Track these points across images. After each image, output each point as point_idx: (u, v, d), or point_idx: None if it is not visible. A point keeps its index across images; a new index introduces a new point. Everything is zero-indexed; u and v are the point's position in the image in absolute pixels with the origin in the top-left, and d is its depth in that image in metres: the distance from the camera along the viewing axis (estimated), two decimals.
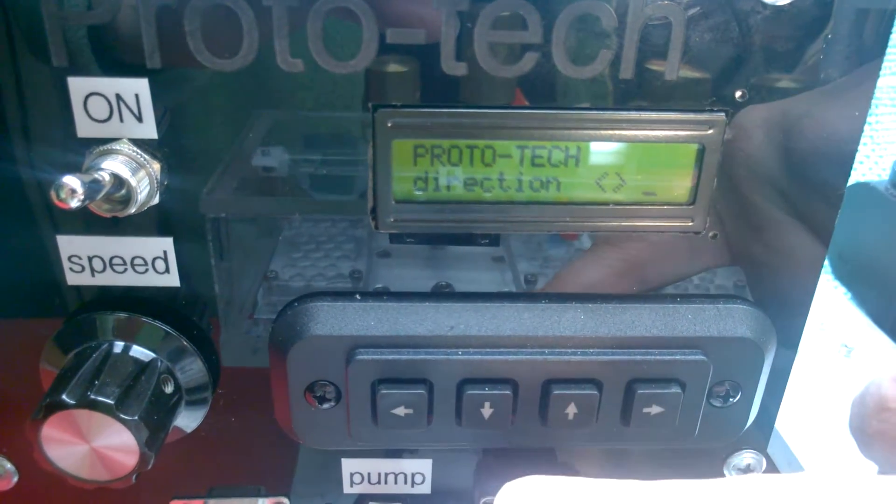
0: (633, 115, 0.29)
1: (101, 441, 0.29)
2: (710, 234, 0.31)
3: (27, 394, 0.33)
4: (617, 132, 0.29)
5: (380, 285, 0.33)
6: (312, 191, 0.31)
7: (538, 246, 0.33)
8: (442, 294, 0.33)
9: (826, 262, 0.73)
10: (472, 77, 0.28)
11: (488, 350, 0.31)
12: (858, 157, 0.71)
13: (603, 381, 0.32)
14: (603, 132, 0.29)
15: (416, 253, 0.32)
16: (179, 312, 0.33)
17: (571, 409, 0.32)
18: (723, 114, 0.29)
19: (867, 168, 0.73)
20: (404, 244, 0.32)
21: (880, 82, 0.68)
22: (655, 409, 0.32)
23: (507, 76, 0.28)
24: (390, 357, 0.31)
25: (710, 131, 0.29)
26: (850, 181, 0.70)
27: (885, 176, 0.71)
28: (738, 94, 0.29)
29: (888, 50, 0.68)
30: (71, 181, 0.25)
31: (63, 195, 0.25)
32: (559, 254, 0.33)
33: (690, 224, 0.31)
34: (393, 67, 0.28)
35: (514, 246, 0.33)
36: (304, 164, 0.30)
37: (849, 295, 0.71)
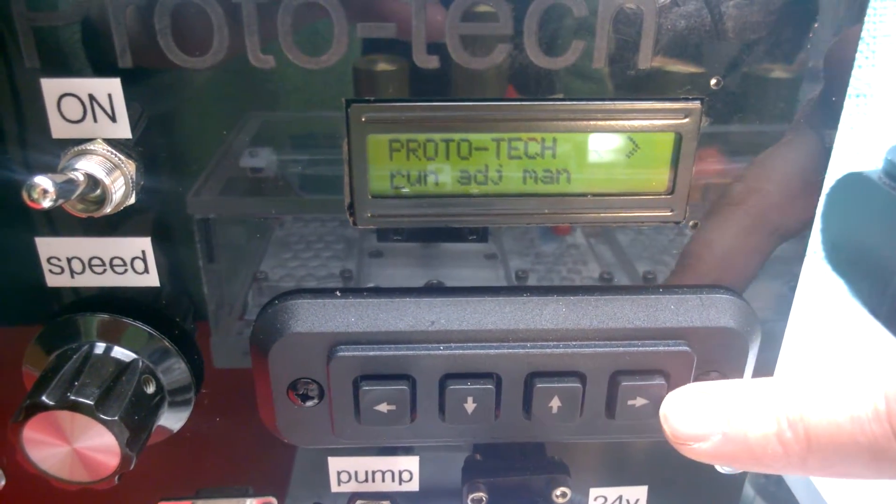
0: (608, 104, 0.29)
1: (82, 442, 0.29)
2: (691, 223, 0.31)
3: (12, 398, 0.33)
4: (592, 122, 0.29)
5: (371, 285, 0.33)
6: (301, 191, 0.31)
7: (530, 242, 0.32)
8: (422, 289, 0.33)
9: (821, 252, 0.72)
10: (445, 70, 0.28)
11: (470, 344, 0.31)
12: (851, 146, 0.71)
13: (586, 373, 0.32)
14: (578, 122, 0.29)
15: (408, 252, 0.32)
16: (162, 313, 0.33)
17: (555, 403, 0.32)
18: (698, 102, 0.29)
19: (860, 157, 0.72)
20: (393, 242, 0.32)
21: (871, 72, 0.68)
22: (640, 401, 0.32)
23: (479, 68, 0.28)
24: (371, 353, 0.31)
25: (686, 120, 0.29)
26: (844, 171, 0.70)
27: (878, 165, 0.70)
28: (713, 81, 0.28)
29: (876, 40, 0.67)
30: (42, 181, 0.24)
31: (35, 195, 0.24)
32: (551, 249, 0.33)
33: (670, 214, 0.31)
34: (369, 64, 0.28)
35: (505, 242, 0.32)
36: (292, 165, 0.30)
37: (844, 284, 0.71)
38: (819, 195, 0.31)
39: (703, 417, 0.27)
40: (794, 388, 0.26)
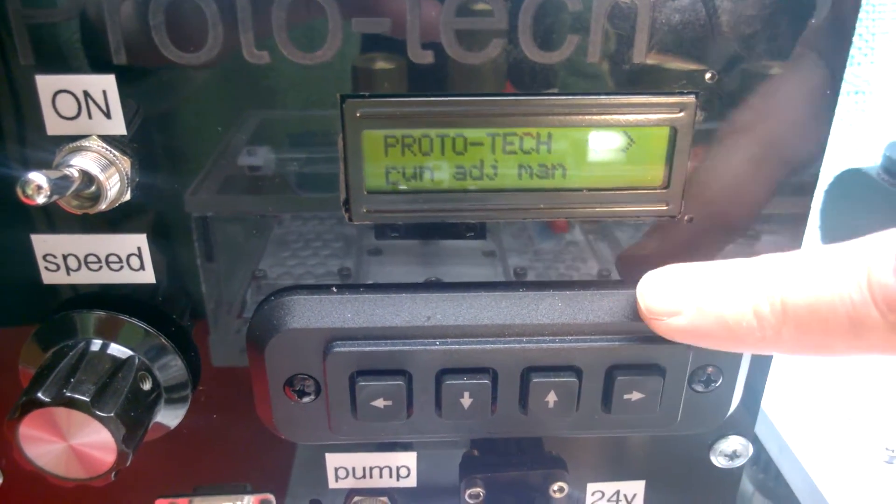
0: (603, 99, 0.29)
1: (78, 439, 0.29)
2: (686, 217, 0.31)
3: (8, 395, 0.33)
4: (587, 117, 0.29)
5: (370, 282, 0.33)
6: (299, 189, 0.31)
7: (528, 239, 0.33)
8: (418, 285, 0.33)
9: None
10: (440, 65, 0.28)
11: (466, 339, 0.31)
12: (850, 143, 0.70)
13: (582, 368, 0.32)
14: (573, 117, 0.29)
15: (407, 250, 0.32)
16: (159, 310, 0.33)
17: (552, 397, 0.32)
18: (693, 96, 0.29)
19: (859, 153, 0.72)
20: (392, 240, 0.32)
21: (870, 69, 0.68)
22: (636, 396, 0.32)
23: (473, 63, 0.28)
24: (367, 349, 0.31)
25: (682, 114, 0.29)
26: (842, 167, 0.70)
27: (876, 161, 0.70)
28: (707, 76, 0.28)
29: (874, 37, 0.67)
30: (37, 177, 0.24)
31: (29, 191, 0.25)
32: (550, 246, 0.33)
33: (665, 208, 0.31)
34: (364, 60, 0.28)
35: (504, 240, 0.32)
36: (290, 163, 0.30)
37: None
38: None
39: (679, 293, 0.27)
40: (772, 265, 0.26)
